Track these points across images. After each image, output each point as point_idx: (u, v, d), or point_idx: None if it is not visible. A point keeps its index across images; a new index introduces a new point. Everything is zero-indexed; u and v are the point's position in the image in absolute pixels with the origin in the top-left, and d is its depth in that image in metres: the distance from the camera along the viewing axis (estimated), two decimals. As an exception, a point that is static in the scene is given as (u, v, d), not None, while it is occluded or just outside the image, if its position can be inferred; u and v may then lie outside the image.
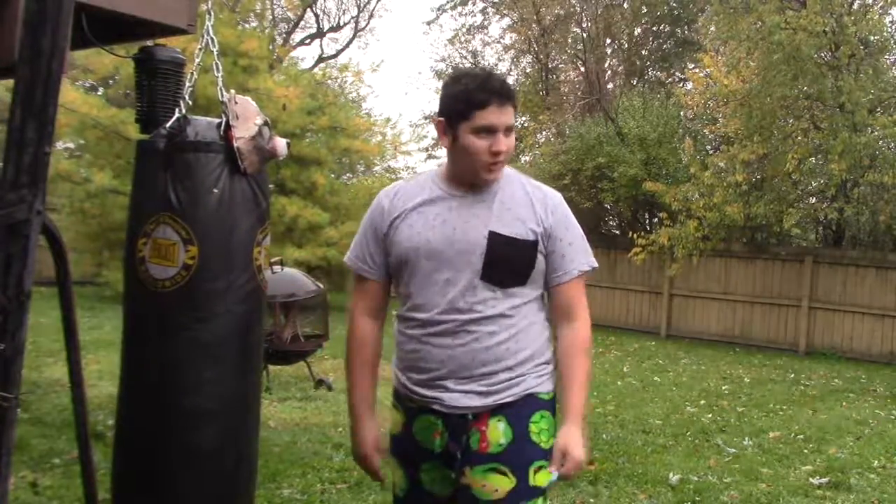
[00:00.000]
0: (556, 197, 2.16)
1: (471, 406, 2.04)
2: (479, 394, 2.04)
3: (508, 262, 2.05)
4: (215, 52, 2.55)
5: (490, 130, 1.99)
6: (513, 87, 2.10)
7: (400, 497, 2.18)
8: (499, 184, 2.09)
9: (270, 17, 21.19)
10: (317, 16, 23.90)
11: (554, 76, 20.20)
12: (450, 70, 23.76)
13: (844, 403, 8.17)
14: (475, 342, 2.03)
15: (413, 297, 2.09)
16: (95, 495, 2.43)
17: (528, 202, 2.10)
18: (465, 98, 2.00)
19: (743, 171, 12.08)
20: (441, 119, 2.07)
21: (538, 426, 2.06)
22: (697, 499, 4.63)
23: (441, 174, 2.16)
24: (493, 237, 2.04)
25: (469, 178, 2.08)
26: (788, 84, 11.63)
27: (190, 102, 2.53)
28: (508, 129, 2.03)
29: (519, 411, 2.05)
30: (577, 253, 2.13)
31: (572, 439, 2.03)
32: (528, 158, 18.05)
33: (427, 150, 24.49)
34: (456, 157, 2.08)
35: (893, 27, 13.32)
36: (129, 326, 2.51)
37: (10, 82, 2.07)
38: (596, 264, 2.17)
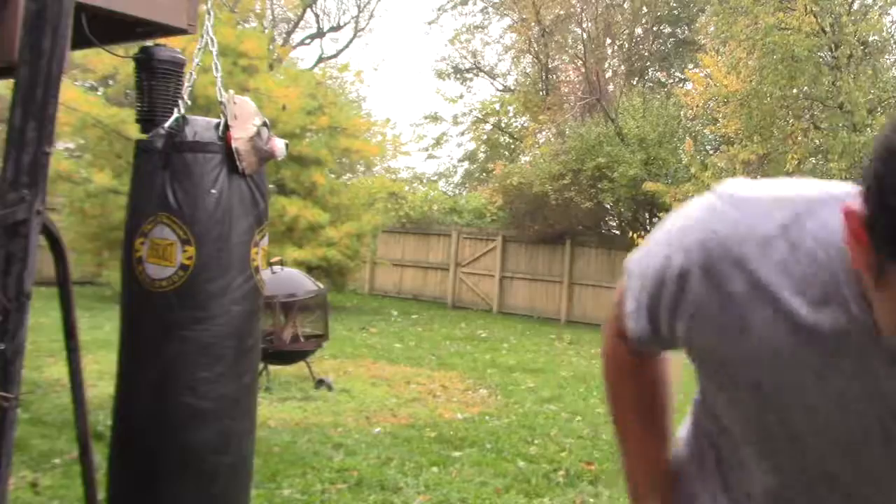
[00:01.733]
0: None
1: None
2: None
3: None
4: (214, 52, 2.56)
5: None
6: None
7: None
8: None
9: (270, 17, 21.22)
10: (317, 16, 23.95)
11: (554, 76, 20.21)
12: (450, 70, 23.77)
13: (844, 403, 8.16)
14: None
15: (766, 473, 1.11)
16: (95, 495, 2.43)
17: None
18: None
19: (743, 171, 12.07)
20: (857, 217, 0.83)
21: None
22: (697, 498, 4.63)
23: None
24: None
25: None
26: (783, 84, 11.64)
27: (189, 102, 2.54)
28: None
29: None
30: None
31: None
32: (528, 158, 18.09)
33: (427, 150, 24.64)
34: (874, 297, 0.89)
35: (893, 27, 13.34)
36: (127, 326, 2.52)
37: (10, 82, 2.08)
38: None
